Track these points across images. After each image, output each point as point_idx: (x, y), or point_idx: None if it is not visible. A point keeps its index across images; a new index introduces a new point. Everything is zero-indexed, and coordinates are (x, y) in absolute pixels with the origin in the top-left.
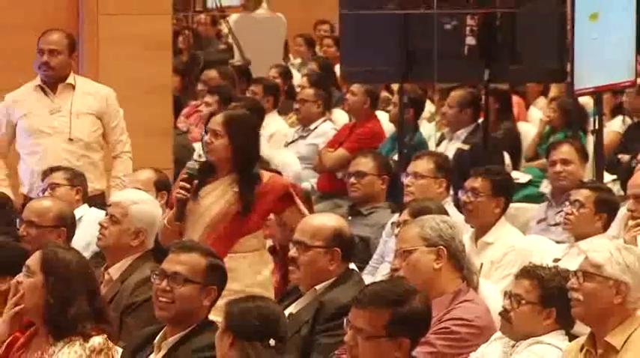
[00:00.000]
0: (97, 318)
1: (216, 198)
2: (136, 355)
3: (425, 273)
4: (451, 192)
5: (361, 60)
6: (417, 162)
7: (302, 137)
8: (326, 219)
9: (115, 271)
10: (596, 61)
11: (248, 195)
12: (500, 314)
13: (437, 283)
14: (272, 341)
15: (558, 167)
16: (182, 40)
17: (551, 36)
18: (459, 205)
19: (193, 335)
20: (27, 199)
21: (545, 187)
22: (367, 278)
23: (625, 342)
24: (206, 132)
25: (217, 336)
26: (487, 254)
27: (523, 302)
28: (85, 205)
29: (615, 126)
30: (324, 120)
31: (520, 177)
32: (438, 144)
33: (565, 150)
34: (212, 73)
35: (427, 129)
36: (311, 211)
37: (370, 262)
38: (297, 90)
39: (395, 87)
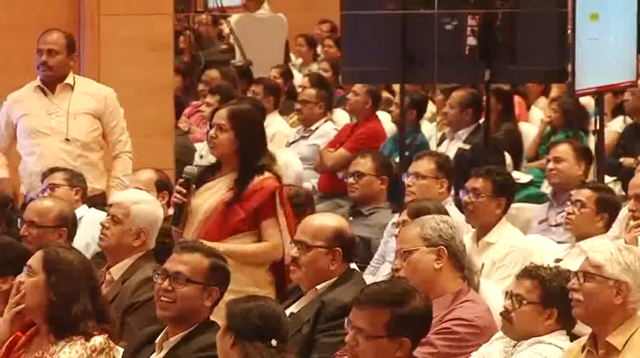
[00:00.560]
0: (99, 317)
1: (211, 195)
2: (137, 355)
3: (425, 273)
4: (452, 192)
5: (362, 60)
6: (419, 162)
7: (303, 137)
8: (327, 219)
9: (116, 271)
10: (597, 61)
11: (242, 184)
12: (501, 314)
13: (437, 283)
14: (273, 341)
15: (551, 165)
16: (183, 40)
17: (552, 36)
18: (459, 205)
19: (195, 335)
20: (26, 199)
21: (547, 187)
22: (368, 279)
23: (626, 343)
24: (211, 127)
25: (218, 336)
26: (488, 254)
27: (524, 302)
28: (85, 206)
29: (616, 127)
30: (326, 121)
31: (521, 177)
32: (439, 144)
33: (560, 149)
34: (213, 73)
35: (428, 129)
36: (312, 212)
37: (371, 262)
38: (299, 90)
39: (396, 87)
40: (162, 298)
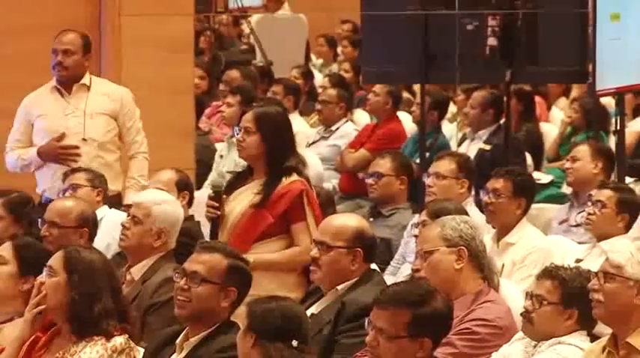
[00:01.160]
0: (120, 317)
1: (242, 200)
2: (158, 355)
3: (446, 274)
4: (472, 192)
5: (382, 60)
6: (439, 162)
7: (324, 138)
8: (348, 220)
9: (136, 271)
10: (618, 62)
11: (268, 188)
12: (521, 314)
13: (458, 284)
14: (294, 342)
15: (567, 164)
16: (204, 41)
17: (573, 36)
18: (480, 205)
19: (215, 336)
20: (43, 199)
21: (567, 188)
22: (389, 279)
23: None
24: (238, 130)
25: (239, 336)
26: (509, 254)
27: (545, 302)
28: (105, 206)
29: (637, 127)
30: (346, 121)
31: (542, 177)
32: (459, 145)
33: (578, 149)
34: (234, 74)
35: (449, 129)
36: (333, 212)
37: (391, 262)
38: (319, 91)
39: (416, 88)
40: (179, 297)
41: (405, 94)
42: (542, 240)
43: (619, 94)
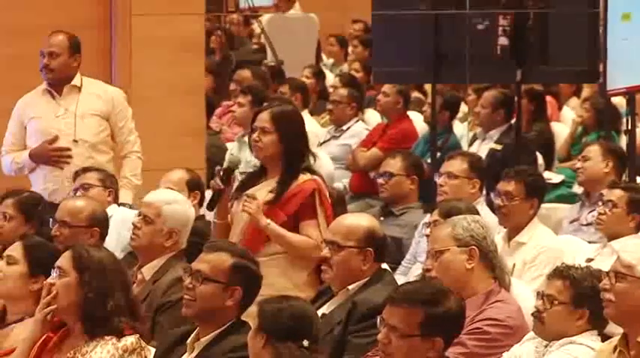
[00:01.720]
0: (131, 313)
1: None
2: (169, 355)
3: (457, 273)
4: (484, 192)
5: (393, 60)
6: (451, 162)
7: (334, 137)
8: (359, 219)
9: (147, 271)
10: (629, 61)
11: (282, 186)
12: (532, 314)
13: (469, 283)
14: (305, 342)
15: (578, 163)
16: (214, 40)
17: (584, 36)
18: (491, 205)
19: (226, 335)
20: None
21: (578, 187)
22: (400, 279)
23: None
24: (253, 130)
25: (250, 336)
26: (520, 254)
27: (556, 302)
28: (115, 205)
29: None
30: (357, 121)
31: (553, 177)
32: (470, 145)
33: (589, 148)
34: (245, 73)
35: (460, 129)
36: (344, 212)
37: (402, 262)
38: (330, 90)
39: (427, 87)
40: (185, 295)
41: (417, 94)
42: (553, 240)
43: (630, 94)
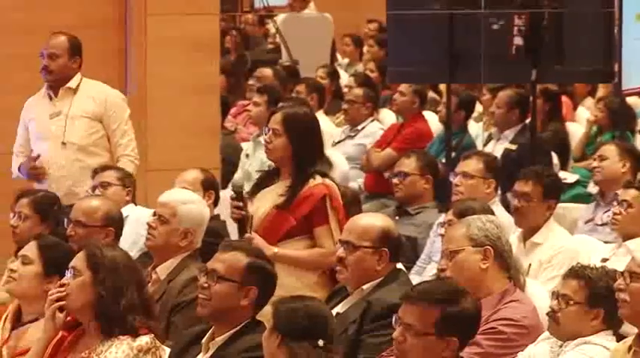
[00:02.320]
0: (145, 311)
1: (266, 201)
2: (184, 355)
3: (471, 273)
4: (499, 192)
5: (408, 60)
6: (467, 161)
7: (349, 137)
8: (374, 219)
9: (162, 271)
10: None
11: (293, 190)
12: (547, 314)
13: (483, 283)
14: (320, 341)
15: (595, 163)
16: (229, 40)
17: (599, 36)
18: (506, 205)
19: (241, 335)
20: None
21: (593, 187)
22: (414, 278)
23: None
24: (266, 131)
25: (265, 336)
26: (535, 254)
27: (571, 302)
28: (131, 204)
29: None
30: (372, 121)
31: (568, 177)
32: (485, 144)
33: (605, 148)
34: (266, 71)
35: (475, 128)
36: (359, 211)
37: (417, 262)
38: (345, 90)
39: (442, 87)
40: (199, 295)
41: (432, 94)
42: (569, 241)
43: None
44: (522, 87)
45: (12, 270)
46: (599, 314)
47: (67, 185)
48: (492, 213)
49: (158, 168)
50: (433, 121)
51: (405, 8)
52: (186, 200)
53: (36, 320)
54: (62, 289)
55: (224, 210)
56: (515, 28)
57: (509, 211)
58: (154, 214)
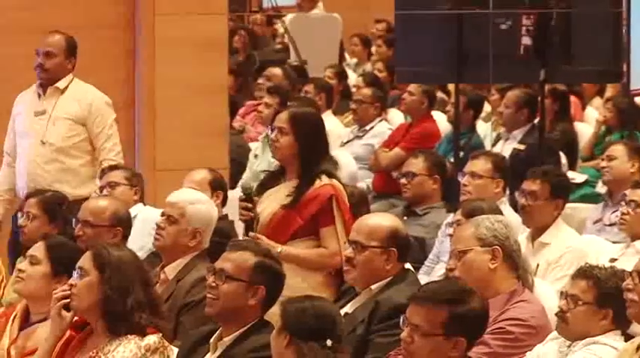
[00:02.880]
0: (152, 310)
1: (273, 201)
2: (192, 354)
3: (480, 273)
4: (507, 192)
5: (416, 60)
6: (475, 161)
7: (358, 137)
8: (382, 219)
9: (171, 271)
10: None
11: (299, 190)
12: (556, 314)
13: (492, 283)
14: (328, 341)
15: (603, 163)
16: (237, 40)
17: (607, 36)
18: (514, 205)
19: (249, 335)
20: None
21: (602, 187)
22: (423, 279)
23: None
24: (272, 130)
25: (273, 336)
26: (544, 254)
27: (579, 302)
28: (140, 204)
29: None
30: (380, 121)
31: (576, 177)
32: (493, 145)
33: (614, 148)
34: (276, 71)
35: (483, 129)
36: (367, 211)
37: (426, 262)
38: (353, 90)
39: (451, 87)
40: (208, 294)
41: (440, 94)
42: (578, 241)
43: None
44: (531, 87)
45: (20, 270)
46: (608, 314)
47: (45, 183)
48: (501, 213)
49: (167, 168)
50: (441, 121)
51: (414, 8)
52: (194, 200)
53: (44, 320)
54: (67, 288)
55: (232, 210)
56: (524, 28)
57: (517, 211)
58: (163, 214)
